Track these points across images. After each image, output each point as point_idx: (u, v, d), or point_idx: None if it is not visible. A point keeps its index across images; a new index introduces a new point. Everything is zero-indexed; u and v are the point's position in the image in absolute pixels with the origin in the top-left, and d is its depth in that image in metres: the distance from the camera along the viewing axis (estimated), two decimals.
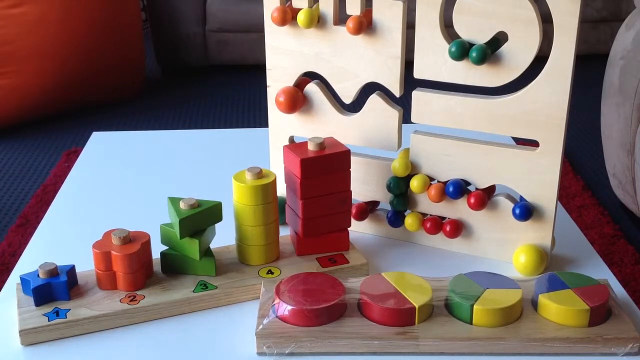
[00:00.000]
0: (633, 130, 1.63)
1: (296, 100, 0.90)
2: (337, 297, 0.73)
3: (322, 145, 0.83)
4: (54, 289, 0.76)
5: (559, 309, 0.72)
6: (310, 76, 0.92)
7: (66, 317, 0.74)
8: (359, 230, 0.93)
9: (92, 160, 1.18)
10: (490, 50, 0.79)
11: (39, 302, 0.75)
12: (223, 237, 0.85)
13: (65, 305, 0.76)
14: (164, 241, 0.82)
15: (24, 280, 0.77)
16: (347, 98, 0.90)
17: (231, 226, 0.84)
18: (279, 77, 0.92)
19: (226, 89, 2.97)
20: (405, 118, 0.88)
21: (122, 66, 2.70)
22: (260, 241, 0.82)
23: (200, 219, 0.80)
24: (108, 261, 0.77)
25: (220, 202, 0.81)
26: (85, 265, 0.80)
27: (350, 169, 0.84)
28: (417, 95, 0.85)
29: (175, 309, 0.77)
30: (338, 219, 0.86)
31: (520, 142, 0.92)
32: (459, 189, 0.85)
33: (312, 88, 0.91)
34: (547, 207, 0.83)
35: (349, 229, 0.87)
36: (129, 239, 0.78)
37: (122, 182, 1.10)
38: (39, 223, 0.98)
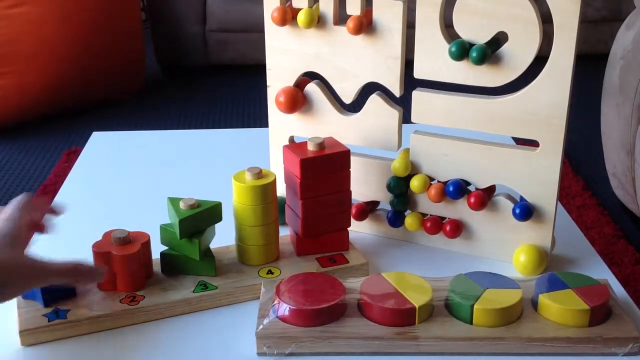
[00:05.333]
0: (633, 130, 1.63)
1: (296, 100, 0.90)
2: (337, 297, 0.73)
3: (322, 145, 0.83)
4: (62, 286, 0.76)
5: (559, 309, 0.72)
6: (310, 76, 0.92)
7: (66, 318, 0.74)
8: (359, 230, 0.93)
9: (92, 160, 1.18)
10: (490, 50, 0.79)
11: (47, 302, 0.75)
12: (223, 237, 0.85)
13: (65, 305, 0.76)
14: (164, 241, 0.82)
15: None
16: (347, 98, 0.90)
17: (231, 226, 0.84)
18: (279, 77, 0.92)
19: (226, 89, 2.97)
20: (405, 118, 0.88)
21: (122, 66, 2.70)
22: (260, 241, 0.82)
23: (200, 219, 0.80)
24: (107, 261, 0.77)
25: (220, 202, 0.81)
26: None
27: (350, 169, 0.84)
28: (417, 95, 0.85)
29: (175, 310, 0.77)
30: (338, 219, 0.86)
31: (520, 142, 0.92)
32: (459, 189, 0.85)
33: (312, 88, 0.91)
34: (547, 207, 0.83)
35: (348, 229, 0.87)
36: (128, 239, 0.78)
37: (122, 182, 1.10)
38: None
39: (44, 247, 0.77)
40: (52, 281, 0.70)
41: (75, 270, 0.70)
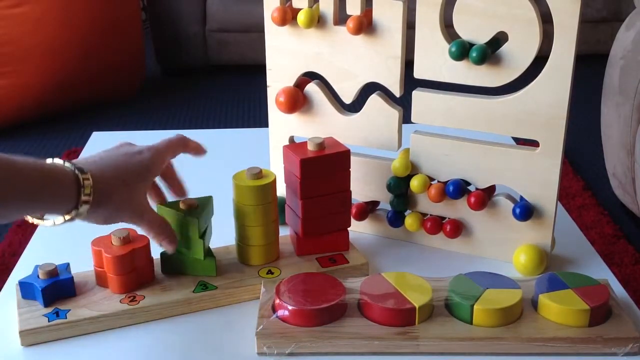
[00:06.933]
0: (633, 130, 1.63)
1: (296, 100, 0.90)
2: (337, 297, 0.73)
3: (322, 145, 0.83)
4: (62, 286, 0.76)
5: (559, 309, 0.72)
6: (310, 76, 0.92)
7: (66, 318, 0.74)
8: (359, 230, 0.93)
9: None
10: (490, 50, 0.79)
11: (47, 302, 0.75)
12: (223, 237, 0.85)
13: (65, 305, 0.76)
14: None
15: (23, 284, 0.77)
16: (347, 98, 0.90)
17: (231, 226, 0.84)
18: (279, 77, 0.92)
19: (226, 89, 2.97)
20: (405, 118, 0.88)
21: (122, 66, 2.70)
22: (260, 241, 0.82)
23: (205, 217, 0.80)
24: (101, 259, 0.77)
25: (210, 195, 0.81)
26: (85, 266, 0.80)
27: (350, 169, 0.84)
28: (417, 95, 0.85)
29: (175, 309, 0.77)
30: (338, 219, 0.86)
31: (520, 142, 0.92)
32: (459, 189, 0.85)
33: (312, 88, 0.91)
34: (547, 207, 0.83)
35: (349, 229, 0.87)
36: (128, 239, 0.78)
37: None
38: None
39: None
40: (143, 226, 0.74)
41: (162, 228, 0.75)
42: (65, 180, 0.66)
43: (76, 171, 0.67)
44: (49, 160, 0.67)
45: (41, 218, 0.69)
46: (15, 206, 0.64)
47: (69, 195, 0.66)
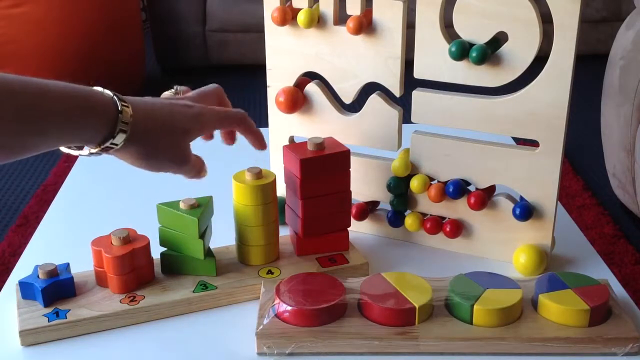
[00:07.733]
0: (633, 130, 1.63)
1: (296, 100, 0.90)
2: (337, 297, 0.73)
3: (321, 145, 0.83)
4: (62, 286, 0.76)
5: (559, 309, 0.72)
6: (310, 76, 0.92)
7: (66, 318, 0.74)
8: (359, 230, 0.93)
9: (92, 160, 1.17)
10: (490, 50, 0.79)
11: (47, 302, 0.75)
12: (223, 237, 0.85)
13: (65, 305, 0.76)
14: (162, 243, 0.82)
15: (23, 284, 0.77)
16: (347, 98, 0.90)
17: (231, 226, 0.84)
18: (279, 77, 0.92)
19: (226, 89, 2.95)
20: (405, 118, 0.88)
21: (122, 66, 2.70)
22: (260, 241, 0.82)
23: (206, 216, 0.80)
24: (101, 259, 0.77)
25: (210, 195, 0.81)
26: (85, 266, 0.80)
27: (350, 169, 0.84)
28: (417, 95, 0.85)
29: (175, 309, 0.77)
30: (338, 219, 0.86)
31: (520, 142, 0.92)
32: (459, 189, 0.85)
33: (312, 88, 0.91)
34: (547, 207, 0.83)
35: (349, 229, 0.87)
36: (128, 239, 0.78)
37: (123, 183, 1.10)
38: (39, 223, 0.98)
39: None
40: (181, 173, 0.76)
41: (198, 172, 0.77)
42: (103, 106, 0.64)
43: (115, 98, 0.65)
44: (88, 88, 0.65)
45: (77, 148, 0.67)
46: (53, 135, 0.62)
47: (106, 123, 0.64)
